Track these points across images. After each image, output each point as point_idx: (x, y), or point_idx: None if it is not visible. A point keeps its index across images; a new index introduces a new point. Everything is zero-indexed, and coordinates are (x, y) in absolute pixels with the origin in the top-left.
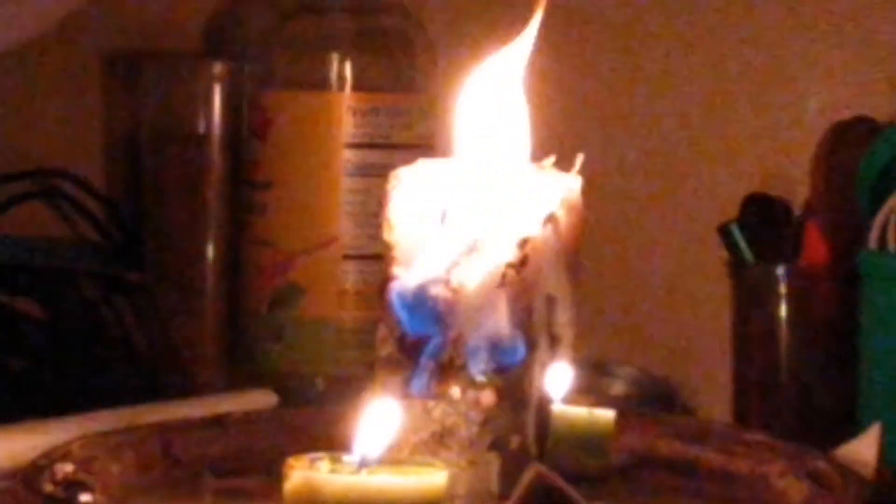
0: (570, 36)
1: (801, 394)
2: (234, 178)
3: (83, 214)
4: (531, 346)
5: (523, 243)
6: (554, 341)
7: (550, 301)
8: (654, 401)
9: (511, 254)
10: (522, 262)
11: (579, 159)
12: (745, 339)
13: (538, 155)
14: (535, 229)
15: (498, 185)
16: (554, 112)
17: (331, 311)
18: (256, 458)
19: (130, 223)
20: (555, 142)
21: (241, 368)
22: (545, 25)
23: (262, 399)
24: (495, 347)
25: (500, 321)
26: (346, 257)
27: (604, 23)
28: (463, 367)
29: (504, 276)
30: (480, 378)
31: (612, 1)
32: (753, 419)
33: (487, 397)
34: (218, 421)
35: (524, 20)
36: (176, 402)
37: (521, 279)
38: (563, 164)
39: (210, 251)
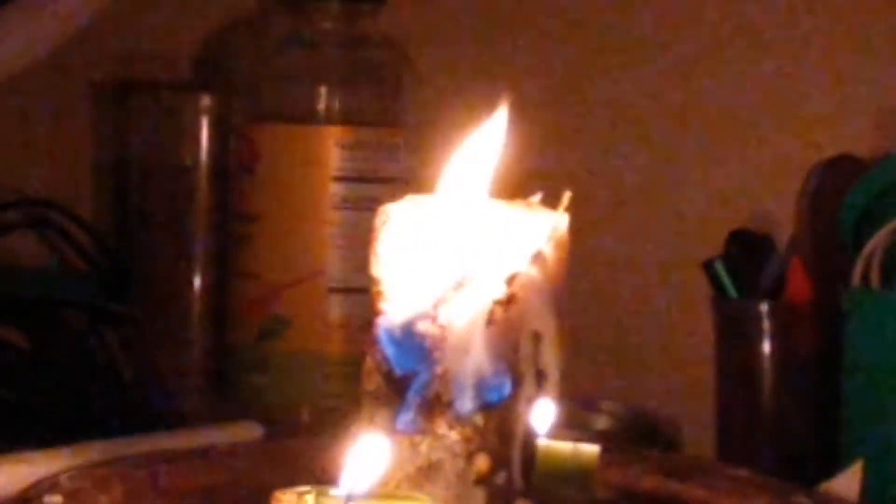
0: (557, 73)
1: (783, 430)
2: (221, 209)
3: (70, 244)
4: (517, 382)
5: (511, 280)
6: (540, 377)
7: (537, 337)
8: (637, 436)
9: (498, 291)
10: (510, 300)
11: (566, 196)
12: (728, 375)
13: (526, 191)
14: (523, 266)
15: (486, 222)
16: (541, 148)
17: (316, 343)
18: (242, 490)
19: (117, 254)
20: (542, 178)
21: (227, 399)
22: (532, 59)
23: (247, 431)
24: (482, 384)
25: (486, 358)
26: (332, 290)
27: (592, 62)
28: (450, 404)
29: (491, 313)
30: (467, 414)
31: (602, 40)
32: (735, 455)
33: (473, 434)
34: (204, 453)
35: (512, 58)
36: (163, 434)
37: (508, 316)
38: (551, 200)
39: (197, 282)
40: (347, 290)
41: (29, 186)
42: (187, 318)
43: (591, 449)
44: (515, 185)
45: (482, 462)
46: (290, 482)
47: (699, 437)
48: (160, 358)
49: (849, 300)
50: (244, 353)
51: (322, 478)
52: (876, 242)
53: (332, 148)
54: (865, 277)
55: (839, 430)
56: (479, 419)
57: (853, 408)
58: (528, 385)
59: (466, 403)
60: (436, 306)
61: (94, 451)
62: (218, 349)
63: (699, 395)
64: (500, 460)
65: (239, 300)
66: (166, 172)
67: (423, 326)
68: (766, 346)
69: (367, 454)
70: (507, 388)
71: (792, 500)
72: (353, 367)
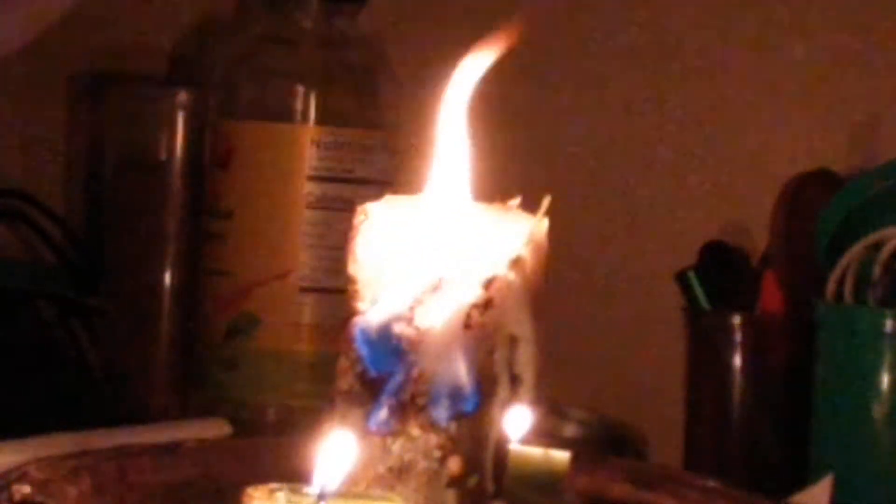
0: (535, 81)
1: (752, 442)
2: (194, 206)
3: (41, 237)
4: (492, 386)
5: (488, 284)
6: (515, 381)
7: (513, 341)
8: (605, 444)
9: (476, 294)
10: (487, 304)
11: (546, 201)
12: (698, 386)
13: (504, 196)
14: (501, 270)
15: (464, 224)
16: (519, 155)
17: (286, 342)
18: (211, 486)
19: (89, 247)
20: (519, 183)
21: (194, 396)
22: (511, 68)
23: (216, 428)
24: (457, 389)
25: (462, 361)
26: (303, 290)
27: (571, 71)
28: (424, 406)
29: (469, 316)
30: (441, 418)
31: (579, 48)
32: (703, 466)
33: (446, 436)
34: (173, 448)
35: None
36: (131, 428)
37: (484, 320)
38: (528, 205)
39: (167, 278)
40: (318, 290)
41: (1, 178)
42: (157, 313)
43: (561, 455)
44: (493, 191)
45: (454, 464)
46: (258, 480)
47: (666, 447)
48: (129, 352)
49: (821, 315)
50: (213, 351)
51: (291, 476)
52: (850, 257)
53: (308, 147)
54: (839, 292)
55: (809, 442)
56: (452, 422)
57: (823, 421)
58: (503, 389)
59: (441, 411)
60: (412, 308)
61: (62, 443)
62: (187, 345)
63: (668, 405)
64: (472, 463)
65: (209, 297)
66: (140, 167)
67: (399, 328)
68: (738, 359)
69: (339, 453)
70: (482, 396)
71: None
72: (322, 367)
